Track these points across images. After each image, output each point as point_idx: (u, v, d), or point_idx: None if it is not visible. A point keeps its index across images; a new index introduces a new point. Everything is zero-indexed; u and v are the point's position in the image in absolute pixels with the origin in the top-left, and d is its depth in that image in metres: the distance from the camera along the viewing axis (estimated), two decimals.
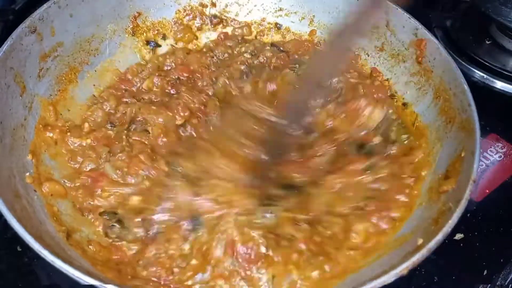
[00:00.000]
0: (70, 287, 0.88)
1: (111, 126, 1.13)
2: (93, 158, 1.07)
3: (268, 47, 1.31)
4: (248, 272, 0.93)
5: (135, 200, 1.01)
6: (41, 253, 0.78)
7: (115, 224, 0.98)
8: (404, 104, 1.19)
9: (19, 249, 0.98)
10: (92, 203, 1.01)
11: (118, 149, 1.07)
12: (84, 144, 1.09)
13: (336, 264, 0.94)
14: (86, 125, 1.11)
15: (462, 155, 0.96)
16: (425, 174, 1.04)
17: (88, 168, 1.06)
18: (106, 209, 1.00)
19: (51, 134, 1.07)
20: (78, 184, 1.03)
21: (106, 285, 0.76)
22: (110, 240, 0.97)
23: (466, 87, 1.02)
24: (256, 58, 1.28)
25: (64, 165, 1.06)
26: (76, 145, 1.09)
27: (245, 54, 1.29)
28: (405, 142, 1.10)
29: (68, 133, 1.09)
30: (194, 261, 0.94)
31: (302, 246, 0.95)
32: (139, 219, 0.98)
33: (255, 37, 1.37)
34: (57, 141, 1.08)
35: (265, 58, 1.28)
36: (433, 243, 0.81)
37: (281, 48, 1.31)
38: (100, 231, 0.98)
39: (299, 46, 1.32)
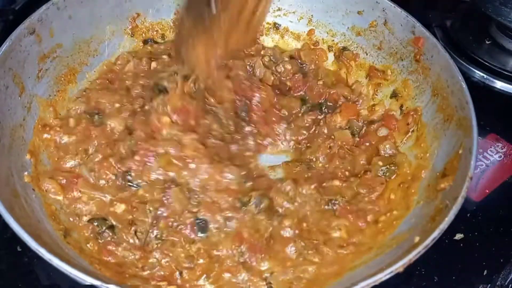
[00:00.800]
0: (70, 287, 0.89)
1: (90, 117, 1.13)
2: (73, 155, 1.07)
3: (286, 58, 1.31)
4: (254, 263, 0.94)
5: (120, 208, 1.00)
6: (38, 252, 0.78)
7: (105, 230, 0.98)
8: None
9: (19, 249, 0.98)
10: (77, 206, 1.01)
11: (94, 148, 1.07)
12: (70, 141, 1.09)
13: (327, 260, 0.95)
14: (71, 120, 1.11)
15: (460, 152, 0.96)
16: (422, 173, 1.04)
17: (67, 165, 1.06)
18: (94, 216, 1.00)
19: (49, 136, 1.08)
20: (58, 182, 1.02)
21: (104, 284, 0.76)
22: (102, 241, 0.97)
23: (463, 84, 1.01)
24: (274, 65, 1.29)
25: (55, 163, 1.07)
26: (64, 141, 1.08)
27: (265, 57, 1.30)
28: (380, 173, 1.10)
29: (58, 129, 1.09)
30: (201, 261, 0.95)
31: (290, 231, 0.99)
32: (132, 230, 0.98)
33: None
34: (51, 140, 1.08)
35: (283, 69, 1.28)
36: (429, 240, 0.81)
37: (300, 61, 1.32)
38: (90, 236, 0.97)
39: (313, 55, 1.33)
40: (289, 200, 1.04)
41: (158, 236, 0.97)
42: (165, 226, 0.98)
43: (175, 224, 0.98)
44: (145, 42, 1.31)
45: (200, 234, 0.98)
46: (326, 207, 1.04)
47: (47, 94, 1.12)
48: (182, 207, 0.99)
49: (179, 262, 0.95)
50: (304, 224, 1.01)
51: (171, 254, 0.95)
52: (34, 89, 1.08)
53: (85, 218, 0.99)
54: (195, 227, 0.98)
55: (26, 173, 0.99)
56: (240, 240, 0.97)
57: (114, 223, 0.98)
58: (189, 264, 0.94)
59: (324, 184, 1.08)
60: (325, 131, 1.18)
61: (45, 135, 1.07)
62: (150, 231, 0.97)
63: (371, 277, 0.78)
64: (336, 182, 1.08)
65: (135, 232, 0.97)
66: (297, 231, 0.99)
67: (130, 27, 1.28)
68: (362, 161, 1.13)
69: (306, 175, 1.10)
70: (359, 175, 1.10)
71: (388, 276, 0.77)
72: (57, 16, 1.12)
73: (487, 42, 1.47)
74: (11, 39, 1.02)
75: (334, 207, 1.04)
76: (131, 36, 1.28)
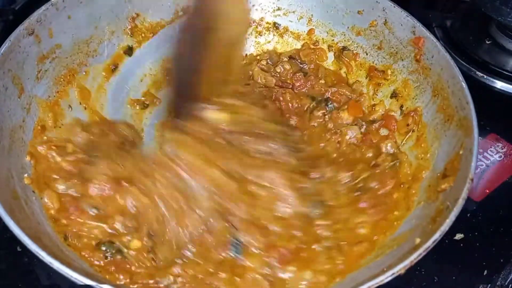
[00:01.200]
0: (70, 287, 0.89)
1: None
2: (69, 183, 1.00)
3: (285, 59, 1.31)
4: (280, 274, 0.92)
5: (135, 244, 0.93)
6: (38, 255, 0.78)
7: (114, 253, 0.92)
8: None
9: (19, 249, 0.98)
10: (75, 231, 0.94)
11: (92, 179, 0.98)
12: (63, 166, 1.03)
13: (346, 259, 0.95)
14: (70, 145, 1.06)
15: (460, 153, 0.95)
16: (423, 173, 1.04)
17: (60, 189, 0.99)
18: (101, 240, 0.93)
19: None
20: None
21: (103, 285, 0.77)
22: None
23: (464, 84, 1.01)
24: (273, 67, 1.29)
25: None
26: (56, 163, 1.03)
27: (262, 62, 1.30)
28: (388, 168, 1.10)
29: (53, 148, 1.05)
30: (223, 275, 0.91)
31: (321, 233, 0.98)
32: (150, 256, 0.93)
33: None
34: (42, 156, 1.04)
35: (282, 69, 1.28)
36: (430, 242, 0.80)
37: (299, 61, 1.31)
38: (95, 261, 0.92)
39: (312, 55, 1.32)
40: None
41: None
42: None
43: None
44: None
45: (234, 254, 0.94)
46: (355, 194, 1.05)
47: (47, 95, 1.11)
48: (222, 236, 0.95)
49: (200, 281, 0.90)
50: (338, 225, 1.00)
51: (192, 272, 0.91)
52: (33, 90, 1.07)
53: (85, 240, 0.93)
54: (230, 246, 0.94)
55: (26, 175, 0.98)
56: (272, 252, 0.93)
57: (125, 250, 0.92)
58: (210, 280, 0.90)
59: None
60: (331, 126, 1.19)
61: (45, 138, 1.07)
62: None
63: (372, 279, 0.77)
64: (360, 166, 1.09)
65: (153, 259, 0.92)
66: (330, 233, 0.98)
67: (130, 27, 1.27)
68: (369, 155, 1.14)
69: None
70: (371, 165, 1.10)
71: (389, 279, 0.77)
72: (56, 17, 1.11)
73: (487, 42, 1.47)
74: (10, 40, 1.01)
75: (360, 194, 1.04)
76: (131, 36, 1.27)
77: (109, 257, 0.92)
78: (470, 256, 1.05)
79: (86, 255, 0.91)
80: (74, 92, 1.17)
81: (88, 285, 0.76)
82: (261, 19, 1.37)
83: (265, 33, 1.37)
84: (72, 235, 0.93)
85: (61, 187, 0.99)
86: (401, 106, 1.19)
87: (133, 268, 0.91)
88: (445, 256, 1.00)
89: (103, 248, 0.92)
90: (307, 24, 1.34)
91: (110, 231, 0.94)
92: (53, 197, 0.97)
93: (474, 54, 1.42)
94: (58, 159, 1.03)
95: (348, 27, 1.29)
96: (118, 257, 0.92)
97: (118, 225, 0.95)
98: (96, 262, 0.91)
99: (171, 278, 0.90)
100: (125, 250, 0.92)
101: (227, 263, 0.93)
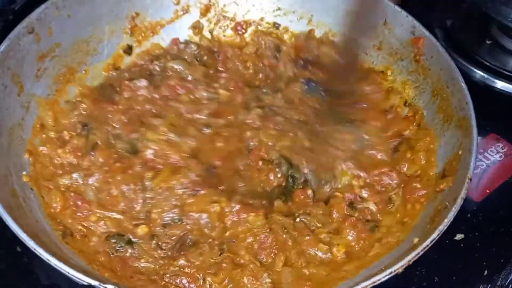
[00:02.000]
0: (70, 286, 0.89)
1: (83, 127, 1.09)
2: (71, 175, 1.01)
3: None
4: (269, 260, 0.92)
5: (142, 229, 0.95)
6: (36, 251, 0.78)
7: (124, 245, 0.93)
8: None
9: (18, 249, 0.98)
10: (84, 226, 0.96)
11: (94, 168, 1.01)
12: (66, 159, 1.04)
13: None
14: (66, 133, 1.07)
15: (460, 153, 0.96)
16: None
17: (64, 183, 1.00)
18: (110, 233, 0.94)
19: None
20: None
21: (102, 285, 0.76)
22: (120, 254, 0.93)
23: (463, 85, 1.01)
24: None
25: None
26: (59, 160, 1.04)
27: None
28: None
29: (54, 141, 1.06)
30: (224, 265, 0.91)
31: None
32: (154, 243, 0.94)
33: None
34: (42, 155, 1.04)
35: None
36: (428, 242, 0.80)
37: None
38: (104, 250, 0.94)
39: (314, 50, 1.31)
40: None
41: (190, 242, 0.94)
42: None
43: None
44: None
45: None
46: None
47: (46, 93, 1.11)
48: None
49: (203, 269, 0.90)
50: None
51: (196, 262, 0.91)
52: (32, 88, 1.07)
53: (95, 239, 0.94)
54: None
55: (24, 172, 0.98)
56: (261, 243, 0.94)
57: (133, 239, 0.94)
58: (216, 270, 0.90)
59: None
60: None
61: (44, 136, 1.07)
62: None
63: (370, 277, 0.77)
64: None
65: (158, 245, 0.93)
66: None
67: (130, 26, 1.27)
68: None
69: None
70: None
71: (387, 277, 0.77)
72: (56, 16, 1.11)
73: (487, 42, 1.46)
74: (10, 38, 1.02)
75: None
76: (131, 36, 1.28)
77: (119, 250, 0.93)
78: (470, 256, 1.04)
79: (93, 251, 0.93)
80: (73, 91, 1.17)
81: (88, 284, 0.76)
82: (261, 19, 1.36)
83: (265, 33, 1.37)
84: (79, 232, 0.95)
85: (66, 181, 1.00)
86: None
87: (142, 261, 0.92)
88: (445, 256, 1.00)
89: (113, 241, 0.93)
90: (307, 24, 1.34)
91: (117, 216, 0.96)
92: (56, 196, 0.97)
93: (475, 54, 1.41)
94: (60, 151, 1.04)
95: None
96: (128, 250, 0.92)
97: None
98: (102, 258, 0.92)
99: (176, 269, 0.91)
100: (134, 240, 0.93)
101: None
